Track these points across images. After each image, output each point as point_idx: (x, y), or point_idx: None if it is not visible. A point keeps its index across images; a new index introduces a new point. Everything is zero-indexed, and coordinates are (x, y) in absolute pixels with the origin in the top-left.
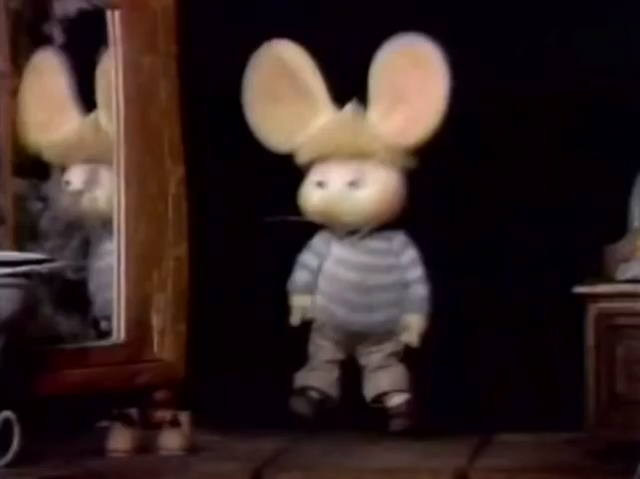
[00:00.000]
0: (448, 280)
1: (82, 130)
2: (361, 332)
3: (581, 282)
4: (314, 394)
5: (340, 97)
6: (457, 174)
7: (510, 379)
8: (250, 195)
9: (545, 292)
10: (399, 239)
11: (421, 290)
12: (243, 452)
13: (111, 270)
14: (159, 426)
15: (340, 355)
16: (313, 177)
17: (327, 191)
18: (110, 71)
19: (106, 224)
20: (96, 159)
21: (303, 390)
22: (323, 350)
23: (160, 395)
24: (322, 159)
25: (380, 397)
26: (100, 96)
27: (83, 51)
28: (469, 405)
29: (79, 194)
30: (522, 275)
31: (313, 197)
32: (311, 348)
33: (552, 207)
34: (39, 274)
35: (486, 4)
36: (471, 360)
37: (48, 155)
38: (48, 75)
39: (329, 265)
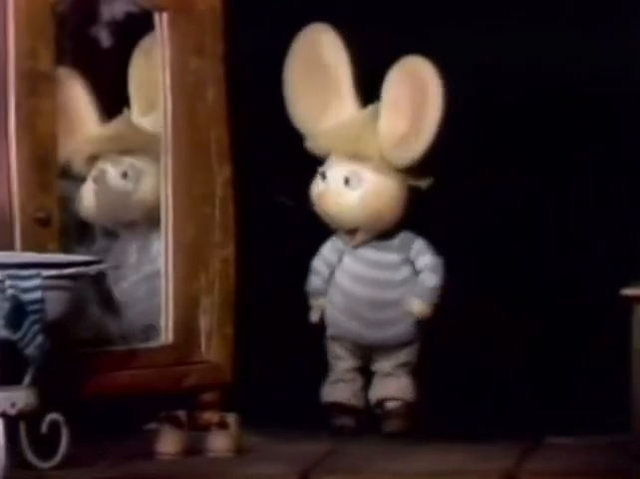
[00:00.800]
0: (493, 284)
1: (116, 125)
2: (375, 345)
3: (628, 285)
4: (342, 410)
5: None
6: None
7: (557, 382)
8: (296, 195)
9: (592, 295)
10: (413, 243)
11: (429, 279)
12: (290, 454)
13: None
14: (206, 428)
15: (358, 363)
16: (321, 167)
17: (326, 183)
18: (144, 66)
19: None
20: (131, 152)
21: (331, 406)
22: (342, 360)
23: (207, 397)
24: (331, 152)
25: (381, 402)
26: (133, 91)
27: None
28: (515, 408)
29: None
30: (569, 278)
31: (315, 187)
32: (330, 359)
33: (599, 209)
34: (86, 276)
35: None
36: (517, 364)
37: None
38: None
39: (341, 278)
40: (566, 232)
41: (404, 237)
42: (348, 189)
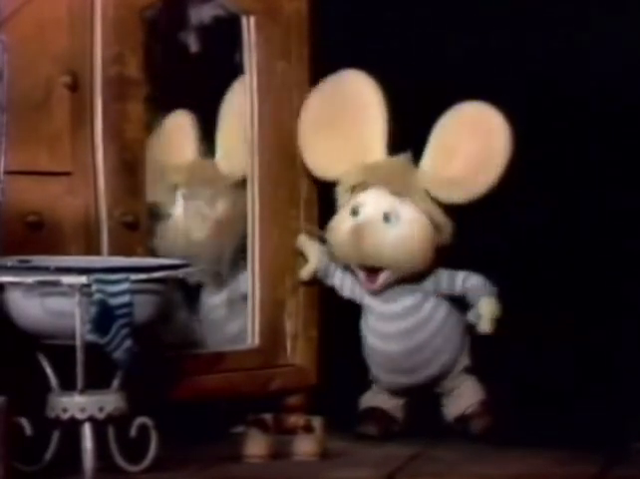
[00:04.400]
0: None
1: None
2: (428, 382)
3: None
4: (379, 416)
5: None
6: None
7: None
8: None
9: None
10: (443, 279)
11: (475, 279)
12: (375, 458)
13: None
14: (292, 431)
15: (410, 387)
16: (349, 204)
17: (361, 218)
18: (232, 114)
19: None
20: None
21: (368, 411)
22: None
23: (292, 400)
24: (362, 187)
25: (459, 418)
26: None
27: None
28: (601, 414)
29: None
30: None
31: (345, 224)
32: (376, 381)
33: None
34: (175, 280)
35: None
36: (600, 370)
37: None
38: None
39: (369, 336)
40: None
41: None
42: (388, 225)
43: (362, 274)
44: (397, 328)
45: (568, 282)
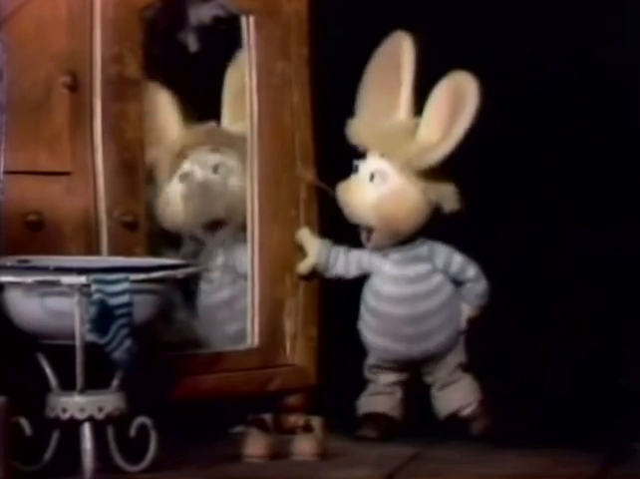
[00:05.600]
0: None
1: (204, 127)
2: (422, 358)
3: None
4: (379, 420)
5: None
6: None
7: None
8: None
9: None
10: (440, 254)
11: (478, 287)
12: (375, 458)
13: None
14: (292, 431)
15: (401, 377)
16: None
17: (355, 176)
18: (239, 77)
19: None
20: (219, 151)
21: (367, 417)
22: (383, 375)
23: (292, 400)
24: (366, 147)
25: (454, 414)
26: (227, 100)
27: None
28: (601, 414)
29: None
30: None
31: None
32: (368, 375)
33: None
34: (174, 280)
35: None
36: (600, 370)
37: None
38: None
39: (372, 300)
40: None
41: (431, 245)
42: (371, 185)
43: (364, 234)
44: (407, 292)
45: (568, 282)
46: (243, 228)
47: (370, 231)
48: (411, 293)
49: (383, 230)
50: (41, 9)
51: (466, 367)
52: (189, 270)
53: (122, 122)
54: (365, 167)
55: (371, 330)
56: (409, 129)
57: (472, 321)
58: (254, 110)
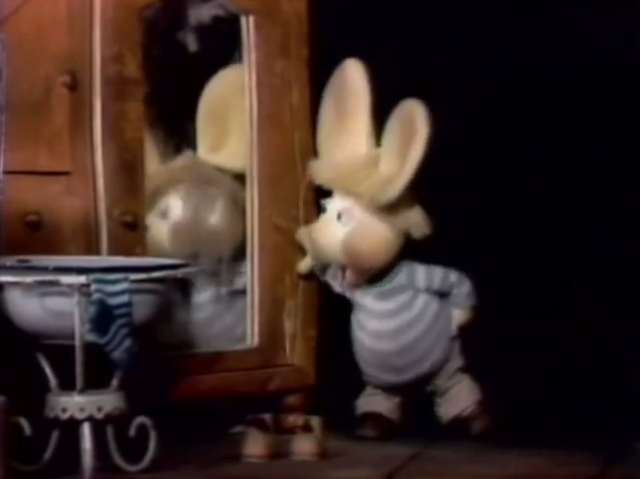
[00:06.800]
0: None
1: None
2: (414, 381)
3: None
4: (377, 420)
5: None
6: None
7: None
8: None
9: None
10: (419, 273)
11: (464, 289)
12: (374, 458)
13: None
14: (291, 431)
15: (400, 385)
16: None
17: (321, 217)
18: (216, 100)
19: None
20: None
21: (366, 417)
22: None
23: (291, 400)
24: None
25: (457, 418)
26: (202, 126)
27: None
28: (601, 414)
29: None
30: None
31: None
32: (367, 379)
33: None
34: (174, 280)
35: None
36: (600, 370)
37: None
38: None
39: (361, 335)
40: None
41: (409, 268)
42: (339, 224)
43: (338, 274)
44: (389, 326)
45: (568, 282)
46: (220, 261)
47: (343, 269)
48: (395, 327)
49: (354, 267)
50: (40, 9)
51: (464, 368)
52: (189, 270)
53: (121, 122)
54: (332, 206)
55: (361, 359)
56: (371, 161)
57: (468, 324)
58: (254, 109)
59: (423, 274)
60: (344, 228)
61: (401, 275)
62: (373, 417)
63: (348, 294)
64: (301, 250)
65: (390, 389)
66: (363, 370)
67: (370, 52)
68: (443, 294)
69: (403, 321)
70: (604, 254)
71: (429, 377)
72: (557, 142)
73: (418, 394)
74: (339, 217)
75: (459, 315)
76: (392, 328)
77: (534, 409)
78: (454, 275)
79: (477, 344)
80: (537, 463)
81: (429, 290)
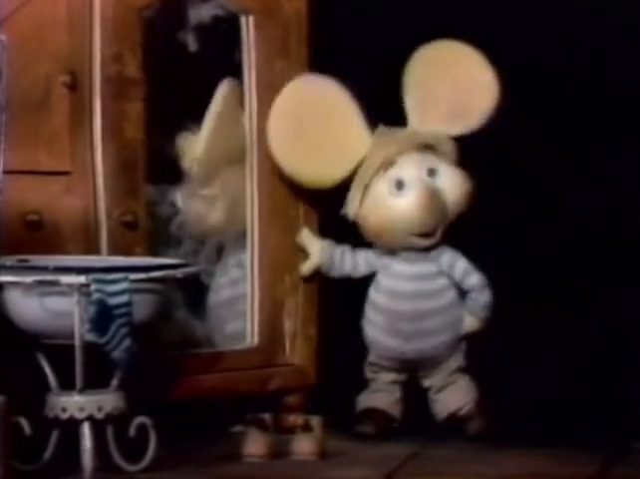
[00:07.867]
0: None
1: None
2: (418, 359)
3: None
4: (377, 416)
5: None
6: None
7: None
8: None
9: None
10: (445, 256)
11: (481, 297)
12: (374, 457)
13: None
14: (291, 431)
15: (400, 377)
16: (384, 181)
17: (406, 189)
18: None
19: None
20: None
21: (366, 412)
22: (382, 374)
23: (291, 400)
24: (390, 162)
25: (452, 416)
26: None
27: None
28: (601, 414)
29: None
30: None
31: (390, 200)
32: (369, 374)
33: None
34: (174, 279)
35: None
36: (600, 370)
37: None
38: None
39: (377, 296)
40: None
41: (441, 248)
42: (434, 180)
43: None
44: (408, 288)
45: (568, 282)
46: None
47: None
48: (412, 290)
49: (444, 222)
50: (40, 9)
51: (464, 369)
52: (189, 270)
53: (121, 121)
54: (413, 171)
55: (371, 325)
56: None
57: (475, 333)
58: (253, 110)
59: (448, 257)
60: (441, 184)
61: (433, 250)
62: (373, 413)
63: (375, 267)
64: (302, 251)
65: (392, 363)
66: (371, 339)
67: (370, 52)
68: (462, 292)
69: (420, 288)
70: (604, 255)
71: (429, 366)
72: (557, 142)
73: (416, 388)
74: (431, 173)
75: (470, 322)
76: (409, 290)
77: (534, 409)
78: (476, 277)
79: (475, 343)
80: (537, 463)
81: (449, 275)
